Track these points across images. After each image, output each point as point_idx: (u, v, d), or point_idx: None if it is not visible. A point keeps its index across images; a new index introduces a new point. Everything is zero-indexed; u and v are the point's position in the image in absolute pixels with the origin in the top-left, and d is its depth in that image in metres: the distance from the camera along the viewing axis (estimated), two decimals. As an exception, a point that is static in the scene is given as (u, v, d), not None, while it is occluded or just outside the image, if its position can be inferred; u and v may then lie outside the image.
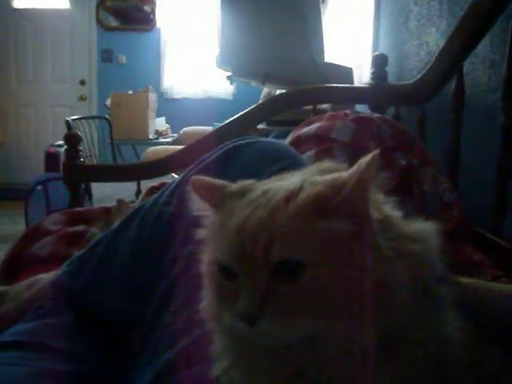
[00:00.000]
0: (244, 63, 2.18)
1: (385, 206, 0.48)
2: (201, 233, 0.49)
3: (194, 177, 0.49)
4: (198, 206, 0.49)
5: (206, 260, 0.48)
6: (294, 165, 0.81)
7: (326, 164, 0.53)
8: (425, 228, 0.48)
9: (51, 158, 3.99)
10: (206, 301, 0.48)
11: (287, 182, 0.47)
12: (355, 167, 0.43)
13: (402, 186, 1.37)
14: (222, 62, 2.22)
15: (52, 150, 4.14)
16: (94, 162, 3.94)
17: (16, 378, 0.65)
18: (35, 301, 0.92)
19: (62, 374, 0.68)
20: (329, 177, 0.45)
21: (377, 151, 0.42)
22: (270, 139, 0.92)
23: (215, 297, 0.46)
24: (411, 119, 1.81)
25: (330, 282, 0.41)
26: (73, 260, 0.92)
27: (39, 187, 3.34)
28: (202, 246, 0.48)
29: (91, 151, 3.90)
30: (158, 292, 0.73)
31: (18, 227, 1.86)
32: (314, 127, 1.51)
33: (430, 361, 0.43)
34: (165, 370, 0.60)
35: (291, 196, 0.44)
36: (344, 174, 0.43)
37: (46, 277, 0.97)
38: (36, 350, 0.72)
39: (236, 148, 0.88)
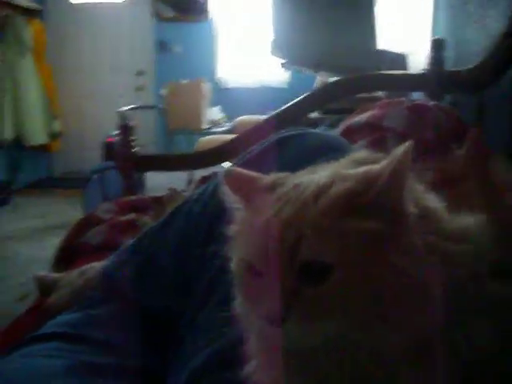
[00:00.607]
0: (297, 50, 2.15)
1: (425, 198, 0.44)
2: (230, 229, 0.47)
3: (227, 168, 0.48)
4: (230, 199, 0.47)
5: (234, 257, 0.46)
6: (342, 158, 0.79)
7: (362, 154, 0.50)
8: (470, 225, 0.44)
9: (109, 148, 4.09)
10: (238, 299, 0.46)
11: (319, 175, 0.45)
12: (389, 158, 0.40)
13: (459, 177, 1.31)
14: (276, 50, 2.20)
15: (110, 139, 4.23)
16: (148, 151, 4.01)
17: (52, 370, 0.66)
18: (84, 290, 0.93)
19: (99, 367, 0.68)
20: (361, 170, 0.42)
21: (411, 141, 0.39)
22: (319, 131, 0.89)
23: (243, 296, 0.45)
24: (469, 107, 1.73)
25: (358, 284, 0.38)
26: (120, 251, 0.92)
27: (96, 176, 3.43)
28: (231, 243, 0.47)
29: (146, 141, 3.96)
30: (200, 286, 0.72)
31: (78, 215, 1.91)
32: (365, 116, 1.47)
33: (460, 363, 0.40)
34: (201, 370, 0.59)
35: (321, 192, 0.41)
36: (376, 167, 0.41)
37: (97, 266, 0.99)
38: (75, 342, 0.73)
39: (284, 140, 0.86)
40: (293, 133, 0.85)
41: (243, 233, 0.45)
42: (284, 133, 0.86)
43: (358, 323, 0.38)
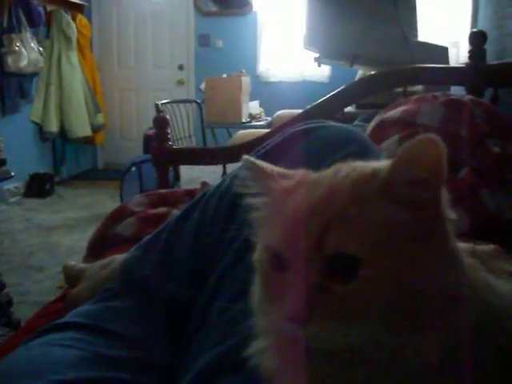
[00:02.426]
0: (331, 44, 2.11)
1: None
2: (253, 216, 0.45)
3: (246, 157, 0.46)
4: (251, 184, 0.46)
5: (258, 246, 0.44)
6: (362, 151, 0.77)
7: None
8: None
9: (148, 140, 4.15)
10: (256, 290, 0.44)
11: (347, 166, 0.43)
12: (409, 144, 0.37)
13: (495, 175, 1.26)
14: (309, 43, 2.17)
15: (150, 132, 4.29)
16: (185, 145, 4.04)
17: (68, 361, 0.67)
18: (107, 282, 0.94)
19: (113, 359, 0.69)
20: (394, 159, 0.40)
21: (435, 135, 0.36)
22: (338, 124, 0.88)
23: (264, 288, 0.42)
24: (511, 102, 1.67)
25: (389, 285, 0.36)
26: (140, 244, 0.93)
27: (134, 168, 3.48)
28: (254, 231, 0.45)
29: (181, 134, 4.00)
30: (211, 280, 0.72)
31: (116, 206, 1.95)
32: (399, 110, 1.44)
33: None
34: (206, 371, 0.59)
35: (352, 179, 0.39)
36: (398, 153, 0.38)
37: (120, 258, 1.00)
38: (92, 334, 0.74)
39: (303, 132, 0.84)
40: (312, 125, 0.84)
41: (268, 220, 0.42)
42: (303, 125, 0.85)
43: (388, 328, 0.36)
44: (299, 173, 0.45)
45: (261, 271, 0.43)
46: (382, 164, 0.40)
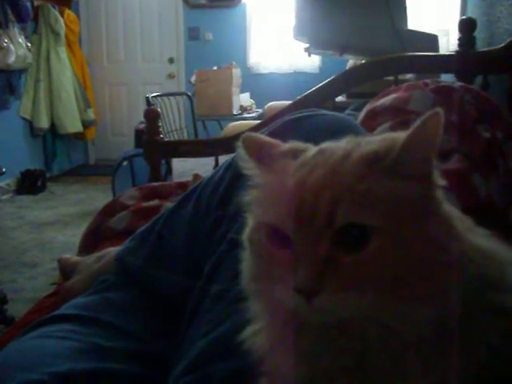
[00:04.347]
0: (321, 33, 2.10)
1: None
2: (247, 195, 0.45)
3: (246, 134, 0.46)
4: (247, 165, 0.45)
5: (251, 225, 0.43)
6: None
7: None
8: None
9: (139, 134, 4.13)
10: (248, 270, 0.44)
11: (344, 141, 0.44)
12: (420, 122, 0.38)
13: (486, 161, 1.27)
14: (299, 33, 2.16)
15: (141, 126, 4.26)
16: (176, 137, 4.03)
17: (63, 352, 0.67)
18: (101, 274, 0.94)
19: (108, 350, 0.69)
20: (392, 134, 0.41)
21: (440, 109, 0.37)
22: (331, 112, 0.88)
23: (259, 266, 0.42)
24: (501, 88, 1.67)
25: (397, 253, 0.36)
26: (134, 236, 0.93)
27: (125, 163, 3.47)
28: (248, 209, 0.44)
29: (173, 127, 3.99)
30: (205, 269, 0.72)
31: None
32: (390, 98, 1.44)
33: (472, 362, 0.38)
34: (199, 359, 0.59)
35: (353, 153, 0.39)
36: (409, 132, 0.39)
37: (114, 250, 1.00)
38: (87, 325, 0.74)
39: (295, 121, 0.84)
40: (304, 114, 0.84)
41: (265, 198, 0.42)
42: (295, 114, 0.85)
43: (395, 298, 0.36)
44: (296, 147, 0.45)
45: (255, 249, 0.42)
46: (386, 142, 0.40)
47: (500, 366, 0.39)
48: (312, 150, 0.43)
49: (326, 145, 0.44)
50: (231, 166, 0.82)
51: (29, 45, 4.94)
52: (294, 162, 0.41)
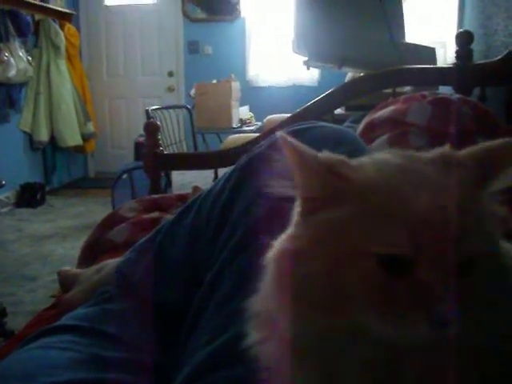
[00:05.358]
0: (320, 47, 2.12)
1: None
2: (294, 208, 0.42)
3: (284, 136, 0.42)
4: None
5: (321, 252, 0.39)
6: (354, 151, 0.77)
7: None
8: None
9: (139, 147, 4.14)
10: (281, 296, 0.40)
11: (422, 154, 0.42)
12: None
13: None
14: (298, 47, 2.18)
15: (140, 139, 4.28)
16: (176, 150, 4.04)
17: (63, 363, 0.67)
18: (101, 285, 0.94)
19: (108, 361, 0.69)
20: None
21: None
22: (330, 124, 0.88)
23: (361, 297, 0.37)
24: (499, 101, 1.68)
25: (494, 274, 0.38)
26: (134, 247, 0.93)
27: (125, 176, 3.48)
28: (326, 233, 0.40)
29: (172, 140, 4.00)
30: (207, 279, 0.72)
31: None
32: (388, 110, 1.45)
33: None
34: (202, 367, 0.59)
35: (463, 175, 0.38)
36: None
37: (114, 262, 1.00)
38: (88, 336, 0.74)
39: (294, 133, 0.85)
40: (303, 126, 0.84)
41: (365, 222, 0.38)
42: (294, 126, 0.85)
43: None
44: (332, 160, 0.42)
45: (360, 279, 0.37)
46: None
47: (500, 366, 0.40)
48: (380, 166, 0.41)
49: (404, 162, 0.41)
50: (231, 177, 0.83)
51: (29, 59, 4.97)
52: (389, 180, 0.39)
